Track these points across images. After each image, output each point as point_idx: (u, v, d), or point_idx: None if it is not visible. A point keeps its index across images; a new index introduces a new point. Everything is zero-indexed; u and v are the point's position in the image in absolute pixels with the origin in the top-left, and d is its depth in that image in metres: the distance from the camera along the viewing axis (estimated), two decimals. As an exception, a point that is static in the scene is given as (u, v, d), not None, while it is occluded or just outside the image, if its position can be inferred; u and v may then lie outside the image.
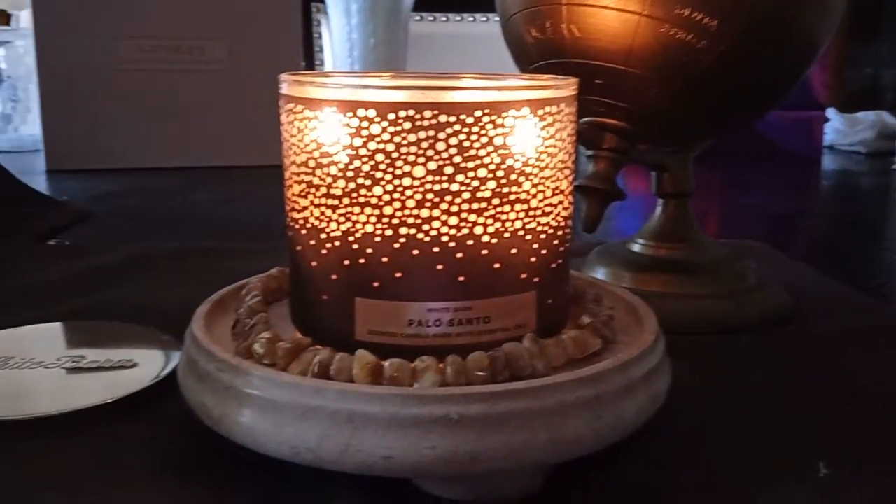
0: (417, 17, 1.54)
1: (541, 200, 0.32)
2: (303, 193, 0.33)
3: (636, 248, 0.53)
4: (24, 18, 1.13)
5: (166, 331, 0.43)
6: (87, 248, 0.65)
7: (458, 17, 1.52)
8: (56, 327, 0.45)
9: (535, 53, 0.47)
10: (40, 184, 0.94)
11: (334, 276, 0.32)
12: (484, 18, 1.56)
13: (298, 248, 0.34)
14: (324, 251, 0.32)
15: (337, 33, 1.27)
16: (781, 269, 0.59)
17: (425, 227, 0.30)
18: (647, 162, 0.52)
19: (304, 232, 0.33)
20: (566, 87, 0.33)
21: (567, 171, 0.34)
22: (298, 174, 0.33)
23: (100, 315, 0.48)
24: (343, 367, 0.30)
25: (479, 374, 0.30)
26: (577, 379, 0.29)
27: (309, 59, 1.52)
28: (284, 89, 0.33)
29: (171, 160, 1.06)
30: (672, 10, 0.42)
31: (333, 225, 0.32)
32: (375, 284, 0.31)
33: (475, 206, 0.31)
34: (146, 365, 0.39)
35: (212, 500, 0.30)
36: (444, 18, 1.52)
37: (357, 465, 0.28)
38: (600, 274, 0.52)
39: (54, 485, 0.31)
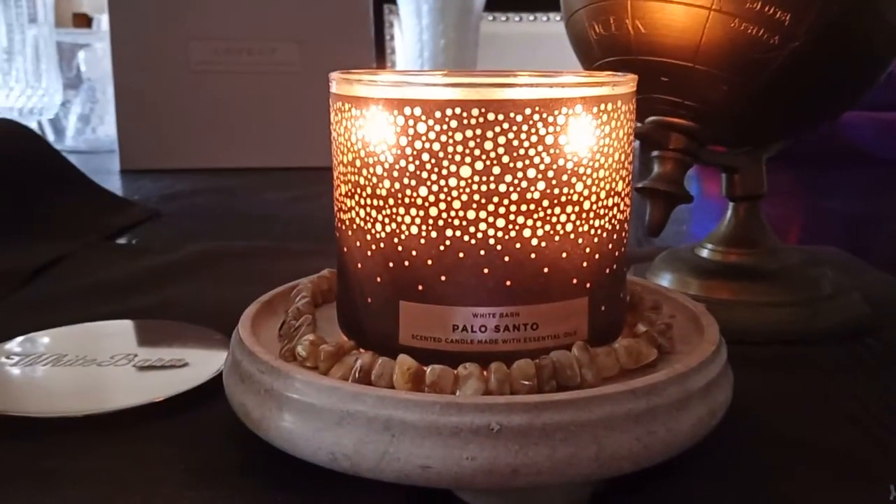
0: (490, 18, 1.53)
1: (594, 202, 0.31)
2: (349, 194, 0.32)
3: (704, 253, 0.51)
4: (105, 22, 1.16)
5: (221, 331, 0.43)
6: (151, 247, 0.66)
7: (531, 17, 1.50)
8: (112, 325, 0.45)
9: (599, 51, 0.46)
10: (114, 183, 0.97)
11: (379, 279, 0.31)
12: (557, 18, 1.53)
13: (345, 249, 0.33)
14: (369, 253, 0.31)
15: (408, 34, 1.27)
16: (861, 277, 0.56)
17: (471, 229, 0.29)
18: (717, 163, 0.49)
19: (350, 233, 0.32)
20: (624, 83, 0.31)
21: (623, 172, 0.32)
22: (346, 174, 0.32)
23: (157, 314, 0.48)
24: (384, 373, 0.29)
25: (525, 383, 0.29)
26: (628, 390, 0.28)
27: (381, 60, 1.53)
28: (333, 88, 0.32)
29: (243, 161, 1.08)
30: (743, 4, 0.40)
31: (379, 226, 0.31)
32: (420, 288, 0.30)
33: (524, 207, 0.29)
34: (197, 365, 0.39)
35: (245, 500, 0.30)
36: (516, 18, 1.51)
37: (394, 473, 0.27)
38: (665, 281, 0.50)
39: (87, 483, 0.31)
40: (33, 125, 1.19)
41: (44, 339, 0.43)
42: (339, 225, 0.33)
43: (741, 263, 0.49)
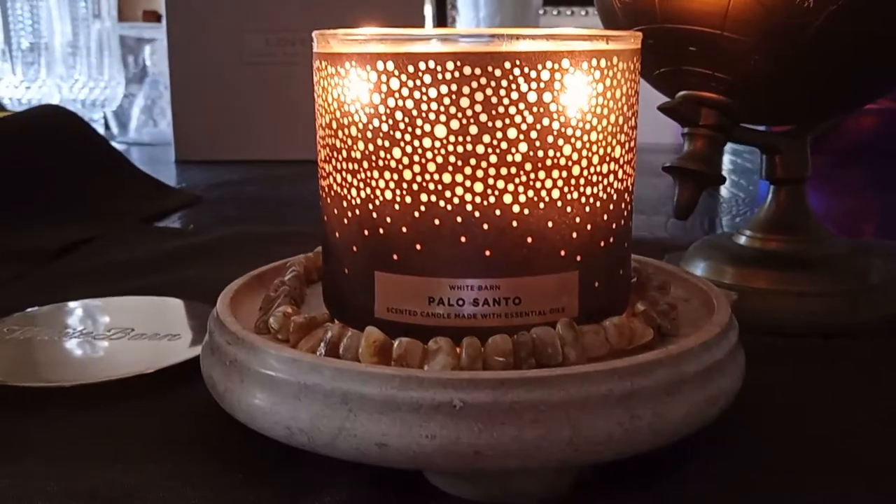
0: (554, 12, 1.50)
1: (585, 168, 0.28)
2: (327, 158, 0.30)
3: (742, 240, 0.47)
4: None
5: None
6: (185, 229, 0.66)
7: (583, 13, 1.46)
8: (118, 301, 0.45)
9: (624, 19, 0.43)
10: (167, 172, 0.97)
11: (355, 248, 0.29)
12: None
13: (325, 218, 0.31)
14: (346, 221, 0.30)
15: (465, 26, 1.25)
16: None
17: (447, 193, 0.27)
18: (754, 142, 0.46)
19: (329, 200, 0.31)
20: (622, 39, 0.29)
21: (622, 137, 0.29)
22: (324, 138, 0.30)
23: (170, 291, 0.47)
24: (351, 345, 0.27)
25: (499, 359, 0.26)
26: (609, 369, 0.25)
27: None
28: (315, 47, 0.31)
29: (296, 152, 1.07)
30: (775, -36, 0.37)
31: (354, 192, 0.29)
32: (395, 257, 0.28)
33: (504, 171, 0.27)
34: (191, 340, 0.38)
35: (217, 475, 0.28)
36: (568, 13, 1.47)
37: (350, 451, 0.25)
38: (699, 269, 0.47)
39: (49, 453, 0.30)
40: (98, 117, 1.22)
41: (47, 312, 0.42)
42: (321, 193, 0.31)
43: (781, 251, 0.46)
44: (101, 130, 1.21)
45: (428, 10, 1.47)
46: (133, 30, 1.31)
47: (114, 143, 1.21)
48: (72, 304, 0.44)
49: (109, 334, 0.39)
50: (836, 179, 0.95)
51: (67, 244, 0.59)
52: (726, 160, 1.08)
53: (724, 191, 0.89)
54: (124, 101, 1.27)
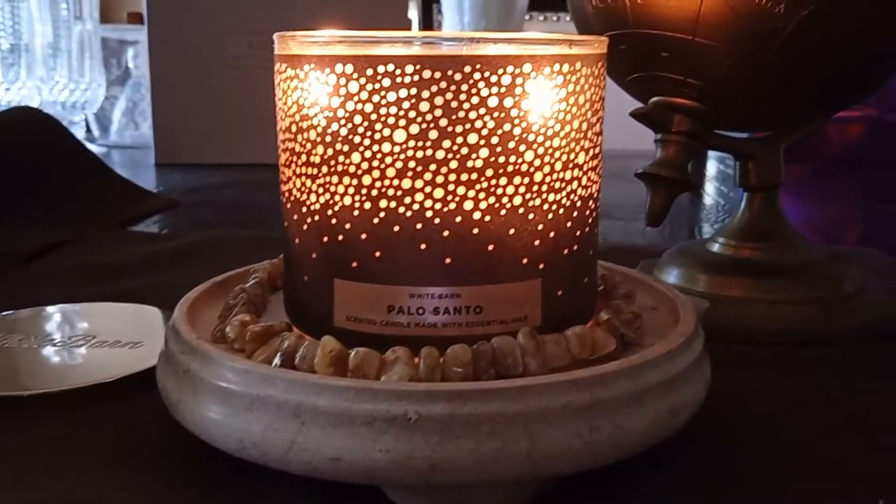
0: (540, 17, 1.50)
1: (548, 174, 0.28)
2: (287, 163, 0.30)
3: (716, 248, 0.47)
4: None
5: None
6: (160, 233, 0.65)
7: (568, 17, 1.46)
8: (85, 307, 0.44)
9: (596, 24, 0.43)
10: (146, 176, 0.97)
11: (314, 255, 0.29)
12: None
13: (286, 223, 0.31)
14: (305, 227, 0.29)
15: (450, 30, 1.25)
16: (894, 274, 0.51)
17: (407, 199, 0.27)
18: (727, 149, 0.46)
19: (289, 206, 0.30)
20: (586, 44, 0.28)
21: (587, 143, 0.29)
22: (284, 142, 0.30)
23: (141, 297, 0.47)
24: (307, 355, 0.27)
25: (457, 370, 0.26)
26: (568, 380, 0.25)
27: None
28: (276, 49, 0.30)
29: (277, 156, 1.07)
30: (746, -30, 0.36)
31: (313, 197, 0.28)
32: (354, 265, 0.28)
33: (464, 177, 0.27)
34: (154, 348, 0.37)
35: (170, 488, 0.28)
36: (554, 18, 1.47)
37: (303, 465, 0.24)
38: (672, 277, 0.46)
39: (11, 462, 0.29)
40: (79, 119, 1.20)
41: (11, 319, 0.42)
42: (282, 198, 0.31)
43: (755, 258, 0.45)
44: (81, 133, 1.20)
45: (414, 14, 1.47)
46: (115, 31, 1.30)
47: (94, 146, 1.20)
48: (30, 311, 0.43)
49: (70, 342, 0.38)
50: (820, 188, 0.95)
51: (40, 247, 0.58)
52: (710, 166, 1.07)
53: (707, 197, 0.89)
54: (106, 104, 1.26)
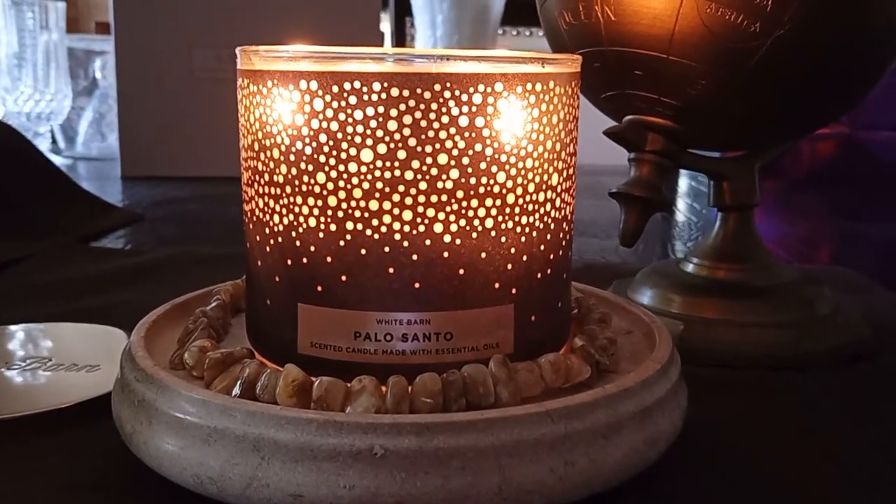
0: (513, 32, 1.49)
1: (520, 196, 0.27)
2: (249, 182, 0.29)
3: (690, 268, 0.46)
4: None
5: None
6: (121, 249, 0.63)
7: (541, 33, 1.46)
8: (42, 328, 0.42)
9: (570, 41, 0.42)
10: (111, 189, 0.95)
11: (277, 278, 0.28)
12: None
13: (248, 245, 0.29)
14: (268, 248, 0.28)
15: (422, 45, 1.24)
16: (867, 298, 0.51)
17: (374, 221, 0.26)
18: (702, 169, 0.45)
19: (251, 226, 0.29)
20: (559, 63, 0.28)
21: (560, 164, 0.28)
22: (247, 160, 0.29)
23: (101, 316, 0.45)
24: (269, 385, 0.26)
25: (426, 401, 0.25)
26: (541, 412, 0.24)
27: None
28: (238, 64, 0.29)
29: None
30: (721, -12, 0.36)
31: (277, 218, 0.27)
32: (319, 289, 0.27)
33: (434, 198, 0.26)
34: (111, 372, 0.36)
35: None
36: (527, 33, 1.47)
37: (263, 502, 0.23)
38: (646, 297, 0.45)
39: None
40: (44, 130, 1.18)
41: (-39, 340, 0.40)
42: (244, 218, 0.30)
43: (729, 280, 0.44)
44: (46, 145, 1.17)
45: (386, 27, 1.46)
46: (82, 42, 1.28)
47: (60, 158, 1.18)
48: (-11, 331, 0.41)
49: (25, 365, 0.37)
50: (791, 206, 0.95)
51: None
52: (681, 183, 1.07)
53: (679, 214, 0.89)
54: (72, 114, 1.24)
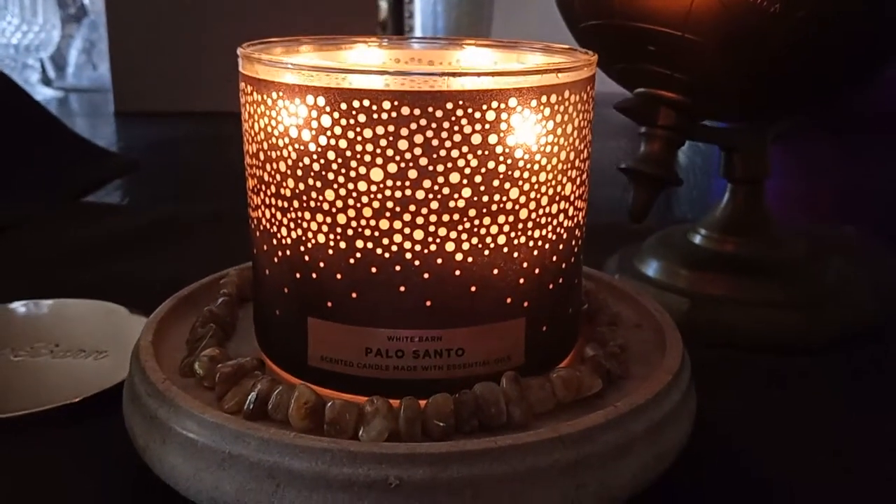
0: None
1: (533, 210, 0.26)
2: (255, 190, 0.28)
3: (697, 239, 0.46)
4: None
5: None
6: (119, 207, 0.62)
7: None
8: (41, 305, 0.42)
9: (582, 13, 0.40)
10: (106, 127, 0.93)
11: (286, 290, 0.27)
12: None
13: (255, 251, 0.29)
14: (276, 259, 0.27)
15: (422, 4, 1.19)
16: (876, 266, 0.50)
17: (385, 240, 0.25)
18: (713, 141, 0.44)
19: (258, 234, 0.28)
20: (575, 69, 0.27)
21: (573, 173, 0.27)
22: (252, 166, 0.28)
23: (104, 291, 0.44)
24: (281, 404, 0.25)
25: (439, 424, 0.25)
26: (554, 437, 0.24)
27: (399, 32, 1.44)
28: (240, 67, 0.28)
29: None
30: (740, -36, 0.34)
31: (284, 230, 0.27)
32: (329, 304, 0.26)
33: (446, 217, 0.25)
34: (121, 360, 0.36)
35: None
36: None
37: (278, 528, 0.23)
38: (652, 269, 0.45)
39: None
40: (33, 62, 1.15)
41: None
42: (250, 223, 0.29)
43: (738, 254, 0.44)
44: (36, 77, 1.15)
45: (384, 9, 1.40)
46: (68, -33, 1.24)
47: (50, 90, 1.15)
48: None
49: (31, 351, 0.37)
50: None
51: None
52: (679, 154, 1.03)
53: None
54: (62, 43, 1.21)
